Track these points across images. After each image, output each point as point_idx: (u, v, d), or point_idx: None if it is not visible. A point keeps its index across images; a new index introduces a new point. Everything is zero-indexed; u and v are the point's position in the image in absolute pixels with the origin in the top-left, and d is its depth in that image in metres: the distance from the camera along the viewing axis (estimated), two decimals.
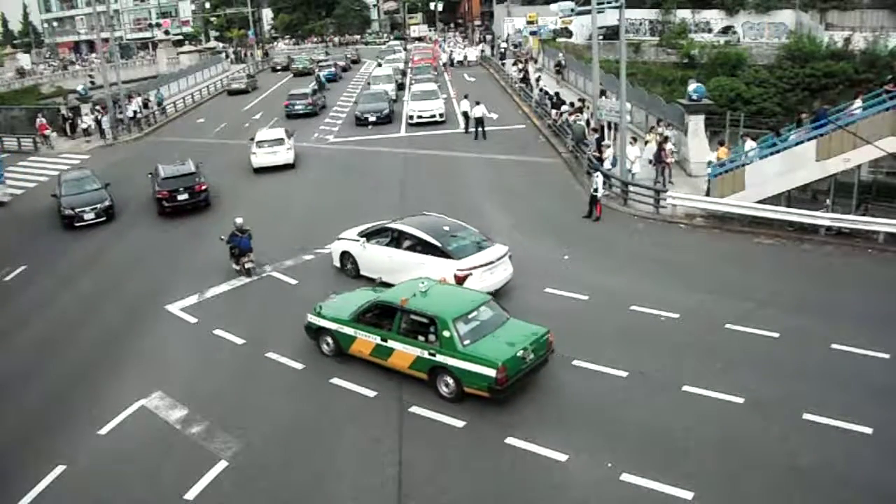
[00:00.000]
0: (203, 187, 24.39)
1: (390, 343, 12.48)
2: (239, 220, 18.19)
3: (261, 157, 28.79)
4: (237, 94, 52.20)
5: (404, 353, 12.28)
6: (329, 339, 13.53)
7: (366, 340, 12.84)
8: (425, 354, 11.95)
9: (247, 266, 18.04)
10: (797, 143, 21.55)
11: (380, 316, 12.89)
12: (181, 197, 23.82)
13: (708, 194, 21.69)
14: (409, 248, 15.92)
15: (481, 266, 15.00)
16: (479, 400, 11.94)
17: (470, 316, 12.08)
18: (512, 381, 11.35)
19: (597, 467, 10.24)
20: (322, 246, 19.58)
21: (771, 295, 15.18)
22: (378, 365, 12.88)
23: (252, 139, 29.99)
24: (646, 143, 24.73)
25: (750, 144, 22.72)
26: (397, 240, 16.22)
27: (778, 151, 21.58)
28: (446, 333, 11.67)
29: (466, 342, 11.62)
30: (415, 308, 12.26)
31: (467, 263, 14.96)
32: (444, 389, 11.94)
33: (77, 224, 23.03)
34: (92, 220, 23.24)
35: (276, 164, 28.65)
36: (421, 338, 12.12)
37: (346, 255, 17.26)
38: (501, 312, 12.62)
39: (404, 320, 12.39)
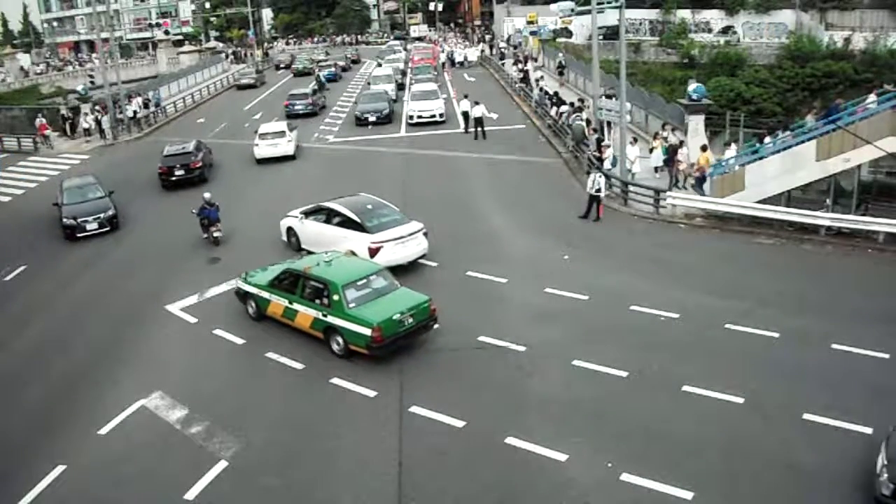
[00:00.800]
0: (198, 164, 27.25)
1: (295, 305, 14.22)
2: (207, 195, 20.48)
3: (263, 149, 30.04)
4: (246, 88, 55.08)
5: (305, 314, 13.99)
6: (252, 303, 15.32)
7: (278, 303, 14.63)
8: (320, 315, 13.64)
9: (215, 235, 20.24)
10: (780, 150, 21.52)
11: (289, 282, 14.51)
12: (178, 172, 26.92)
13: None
14: (338, 224, 17.84)
15: (393, 240, 16.91)
16: (479, 400, 11.96)
17: (359, 283, 13.78)
18: (388, 341, 12.98)
19: (597, 467, 10.24)
20: None
21: (771, 295, 15.18)
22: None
23: (256, 132, 31.28)
24: (651, 149, 24.40)
25: (731, 151, 22.71)
26: (328, 216, 18.16)
27: (759, 158, 21.55)
28: (336, 297, 13.41)
29: (352, 305, 13.28)
30: (314, 275, 14.03)
31: (380, 237, 16.88)
32: (335, 347, 13.58)
33: (79, 235, 22.12)
34: (95, 230, 22.30)
35: (277, 156, 29.86)
36: (318, 301, 13.75)
37: (290, 231, 19.31)
38: (393, 282, 14.27)
39: (307, 286, 14.08)
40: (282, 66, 68.13)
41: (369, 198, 19.00)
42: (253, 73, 57.87)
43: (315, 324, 13.78)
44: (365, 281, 13.86)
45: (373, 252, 16.55)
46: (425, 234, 17.60)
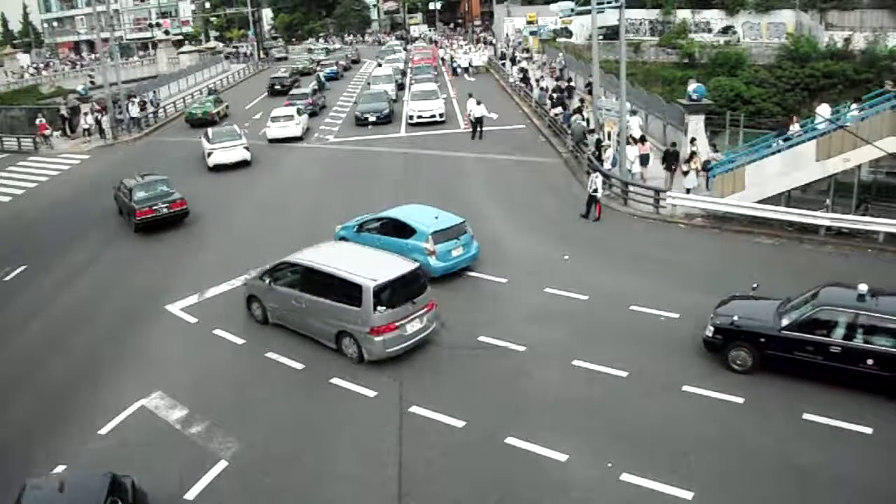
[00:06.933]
0: (287, 83, 48.98)
1: None
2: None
3: (274, 130, 33.90)
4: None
5: None
6: None
7: None
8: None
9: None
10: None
11: None
12: (276, 87, 48.92)
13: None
14: (209, 141, 29.66)
15: (221, 148, 29.07)
16: (479, 400, 11.94)
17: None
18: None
19: (597, 467, 10.26)
20: None
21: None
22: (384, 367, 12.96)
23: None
24: (685, 172, 22.44)
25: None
26: (208, 139, 29.81)
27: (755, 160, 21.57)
28: None
29: None
30: None
31: (214, 146, 29.09)
32: None
33: None
34: None
35: (287, 136, 33.59)
36: None
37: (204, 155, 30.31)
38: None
39: None
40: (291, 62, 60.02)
41: (228, 127, 31.47)
42: (312, 45, 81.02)
43: None
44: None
45: (209, 154, 29.01)
46: (246, 147, 29.40)
